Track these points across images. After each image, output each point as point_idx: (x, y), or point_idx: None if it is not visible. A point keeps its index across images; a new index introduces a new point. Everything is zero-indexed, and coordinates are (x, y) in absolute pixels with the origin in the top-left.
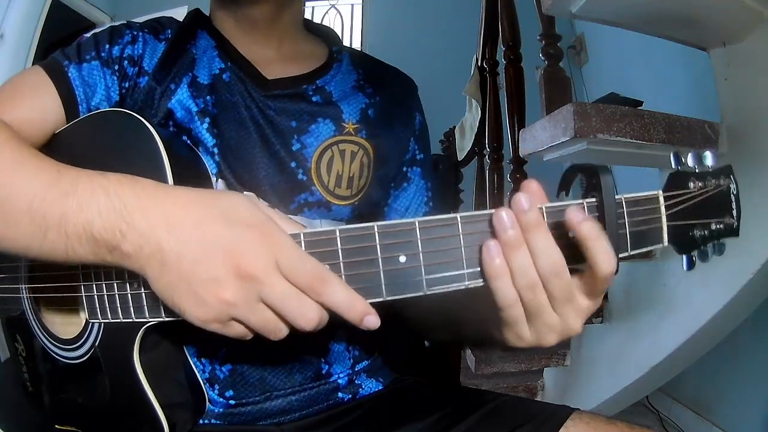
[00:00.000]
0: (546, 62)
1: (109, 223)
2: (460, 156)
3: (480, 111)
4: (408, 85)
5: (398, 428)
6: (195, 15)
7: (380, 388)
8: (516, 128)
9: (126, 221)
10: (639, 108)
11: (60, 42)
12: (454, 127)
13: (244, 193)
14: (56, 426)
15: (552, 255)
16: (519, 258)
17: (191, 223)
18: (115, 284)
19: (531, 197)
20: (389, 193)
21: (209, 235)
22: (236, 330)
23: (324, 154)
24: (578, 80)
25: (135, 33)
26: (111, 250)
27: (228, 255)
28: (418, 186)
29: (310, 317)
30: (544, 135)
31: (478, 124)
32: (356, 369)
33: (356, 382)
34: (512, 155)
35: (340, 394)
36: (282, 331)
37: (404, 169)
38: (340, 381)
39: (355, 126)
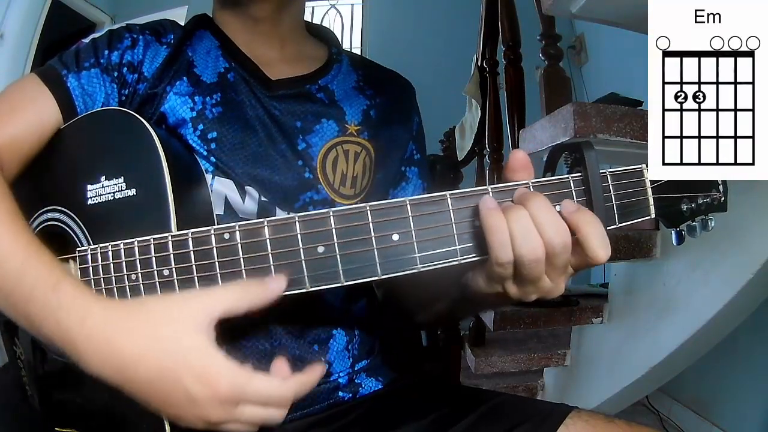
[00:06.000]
0: (546, 62)
1: (68, 353)
2: (460, 156)
3: (480, 111)
4: (406, 87)
5: (398, 427)
6: (199, 19)
7: (380, 387)
8: (516, 128)
9: (82, 359)
10: (639, 108)
11: (60, 42)
12: (454, 127)
13: (246, 188)
14: (56, 429)
15: (563, 229)
16: (521, 221)
17: (146, 381)
18: (113, 277)
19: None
20: (389, 194)
21: (165, 392)
22: None
23: (329, 154)
24: (578, 80)
25: (135, 36)
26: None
27: (190, 408)
28: (416, 186)
29: (280, 417)
30: (544, 135)
31: (478, 124)
32: (356, 368)
33: (356, 381)
34: None
35: (340, 393)
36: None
37: (402, 168)
38: (340, 380)
39: (357, 127)
